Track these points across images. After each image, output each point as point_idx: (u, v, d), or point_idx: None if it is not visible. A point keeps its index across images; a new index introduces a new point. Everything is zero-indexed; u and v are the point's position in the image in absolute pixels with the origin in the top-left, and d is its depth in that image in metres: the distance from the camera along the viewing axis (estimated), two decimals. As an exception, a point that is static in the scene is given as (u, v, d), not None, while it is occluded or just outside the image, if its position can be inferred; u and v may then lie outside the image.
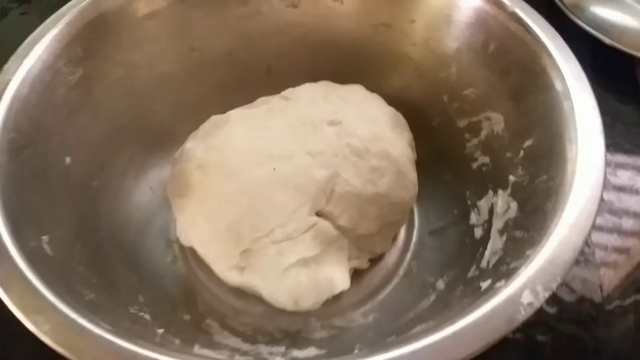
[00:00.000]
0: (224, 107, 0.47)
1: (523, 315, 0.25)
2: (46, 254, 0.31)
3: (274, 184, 0.37)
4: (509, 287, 0.26)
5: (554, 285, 0.26)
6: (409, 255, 0.43)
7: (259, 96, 0.47)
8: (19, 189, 0.33)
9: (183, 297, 0.41)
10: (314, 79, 0.48)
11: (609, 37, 0.56)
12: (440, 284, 0.39)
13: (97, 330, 0.25)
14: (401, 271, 0.42)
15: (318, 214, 0.38)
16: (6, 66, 0.37)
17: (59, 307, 0.26)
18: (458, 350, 0.24)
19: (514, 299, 0.26)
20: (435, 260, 0.41)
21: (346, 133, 0.40)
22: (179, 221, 0.39)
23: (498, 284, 0.27)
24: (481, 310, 0.25)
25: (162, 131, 0.47)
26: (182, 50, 0.47)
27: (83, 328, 0.25)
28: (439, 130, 0.46)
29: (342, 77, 0.47)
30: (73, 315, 0.25)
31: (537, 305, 0.25)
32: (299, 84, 0.47)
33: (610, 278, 0.42)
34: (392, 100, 0.46)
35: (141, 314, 0.34)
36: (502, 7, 0.39)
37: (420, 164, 0.43)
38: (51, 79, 0.38)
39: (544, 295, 0.26)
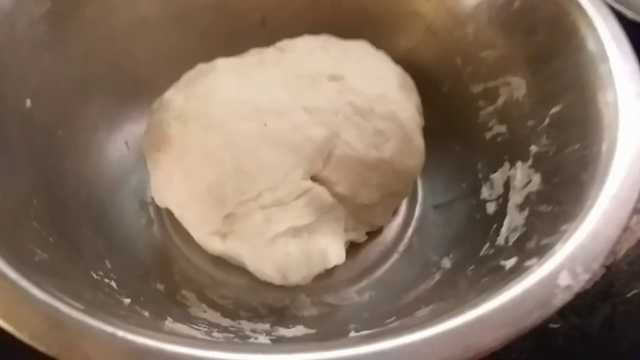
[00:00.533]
0: (211, 59, 0.42)
1: (560, 299, 0.21)
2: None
3: (264, 141, 0.33)
4: (542, 267, 0.22)
5: (595, 266, 0.22)
6: (410, 230, 0.39)
7: (249, 49, 0.42)
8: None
9: (157, 264, 0.37)
10: (314, 33, 0.43)
11: (633, 10, 0.51)
12: (446, 263, 0.35)
13: (42, 296, 0.20)
14: (401, 247, 0.38)
15: (313, 179, 0.34)
16: (-44, -12, 0.32)
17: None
18: (481, 338, 0.20)
19: (549, 281, 0.22)
20: (440, 236, 0.37)
21: (349, 90, 0.35)
22: (153, 178, 0.35)
23: (528, 262, 0.23)
24: (510, 293, 0.21)
25: (140, 81, 0.42)
26: (166, -9, 0.41)
27: (24, 292, 0.20)
28: (449, 96, 0.42)
29: (344, 33, 0.43)
30: (13, 275, 0.21)
31: (576, 288, 0.21)
32: (295, 40, 0.43)
33: (628, 263, 0.38)
34: (399, 61, 0.41)
35: (106, 280, 0.30)
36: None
37: (427, 132, 0.39)
38: (12, 9, 0.33)
39: (584, 277, 0.22)
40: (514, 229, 0.30)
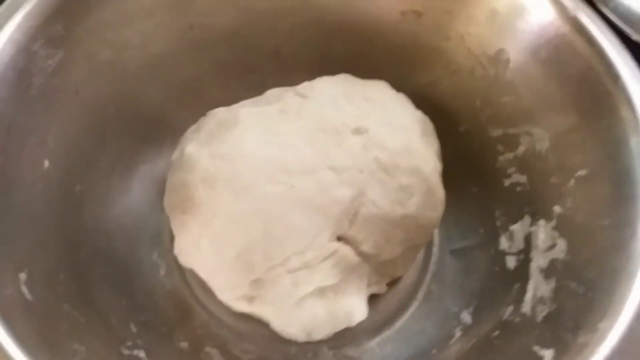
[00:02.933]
0: (225, 93, 0.41)
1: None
2: (25, 301, 0.26)
3: (292, 204, 0.32)
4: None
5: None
6: (428, 276, 0.40)
7: (263, 81, 0.41)
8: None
9: (178, 318, 0.37)
10: (328, 66, 0.42)
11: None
12: (466, 317, 0.35)
13: None
14: (420, 294, 0.39)
15: (339, 238, 0.34)
16: (-32, 50, 0.30)
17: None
18: None
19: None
20: (459, 285, 0.38)
21: (373, 144, 0.35)
22: (179, 239, 0.34)
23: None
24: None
25: (153, 120, 0.41)
26: (179, 27, 0.40)
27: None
28: (467, 136, 0.42)
29: (359, 67, 0.42)
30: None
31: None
32: (309, 71, 0.42)
33: None
34: (415, 97, 0.41)
35: (135, 352, 0.30)
36: (561, 8, 0.34)
37: (443, 171, 0.39)
38: (25, 65, 0.32)
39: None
40: (541, 301, 0.30)
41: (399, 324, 0.38)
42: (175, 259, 0.39)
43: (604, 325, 0.24)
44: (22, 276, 0.26)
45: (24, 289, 0.26)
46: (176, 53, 0.40)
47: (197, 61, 0.42)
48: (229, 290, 0.33)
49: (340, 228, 0.33)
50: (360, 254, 0.34)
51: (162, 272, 0.38)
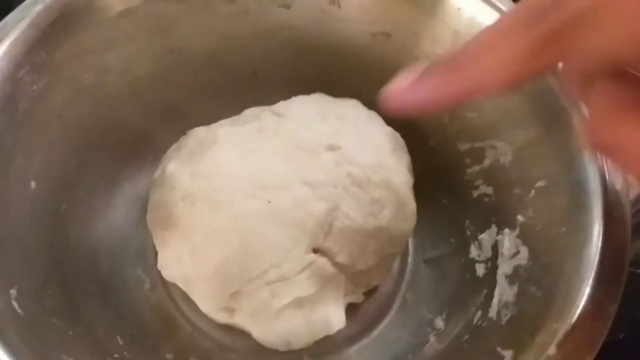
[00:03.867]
0: (205, 112, 0.43)
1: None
2: (16, 315, 0.27)
3: (269, 219, 0.34)
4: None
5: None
6: (403, 285, 0.41)
7: (242, 101, 0.43)
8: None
9: (163, 330, 0.38)
10: (303, 86, 0.44)
11: None
12: (440, 323, 0.37)
13: None
14: (396, 303, 0.40)
15: (314, 250, 0.35)
16: (-43, 78, 0.31)
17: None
18: None
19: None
20: (433, 293, 0.40)
21: (346, 160, 0.37)
22: (161, 254, 0.36)
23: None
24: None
25: (135, 139, 0.43)
26: (160, 52, 0.41)
27: None
28: (437, 150, 0.44)
29: (333, 86, 0.44)
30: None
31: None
32: (286, 90, 0.43)
33: None
34: (386, 114, 0.43)
35: (122, 364, 0.31)
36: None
37: (415, 185, 0.41)
38: (11, 91, 0.33)
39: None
40: (505, 305, 0.32)
41: (376, 332, 0.39)
42: (159, 274, 0.40)
43: (558, 326, 0.26)
44: (13, 292, 0.28)
45: (15, 304, 0.27)
46: (157, 76, 0.42)
47: (177, 83, 0.43)
48: (210, 302, 0.34)
49: (315, 241, 0.35)
50: (336, 264, 0.36)
51: (147, 286, 0.39)
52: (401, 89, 0.20)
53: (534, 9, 0.16)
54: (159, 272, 0.40)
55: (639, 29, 0.14)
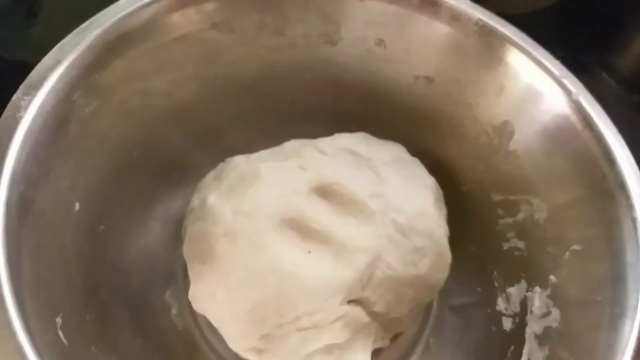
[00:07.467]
0: (241, 138, 0.44)
1: None
2: (62, 346, 0.27)
3: (307, 267, 0.34)
4: None
5: None
6: (427, 330, 0.42)
7: (279, 129, 0.44)
8: (32, 260, 0.28)
9: (188, 357, 0.38)
10: (340, 119, 0.45)
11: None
12: (465, 376, 0.37)
13: None
14: (419, 348, 0.41)
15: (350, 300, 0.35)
16: (15, 97, 0.32)
17: None
18: None
19: None
20: (457, 341, 0.40)
21: (390, 208, 0.37)
22: (194, 287, 0.36)
23: None
24: None
25: (172, 161, 0.43)
26: (205, 77, 0.42)
27: None
28: (469, 196, 0.44)
29: (370, 123, 0.45)
30: None
31: None
32: (323, 122, 0.44)
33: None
34: (421, 154, 0.43)
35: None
36: (565, 91, 0.37)
37: (444, 229, 0.41)
38: (65, 113, 0.33)
39: None
40: (536, 367, 0.33)
41: (398, 378, 0.39)
42: (187, 300, 0.40)
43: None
44: (58, 320, 0.28)
45: (61, 334, 0.27)
46: (199, 100, 0.43)
47: (218, 108, 0.44)
48: (239, 340, 0.35)
49: (352, 293, 0.35)
50: (371, 313, 0.36)
51: (174, 311, 0.40)
52: None
53: None
54: (187, 298, 0.40)
55: None
